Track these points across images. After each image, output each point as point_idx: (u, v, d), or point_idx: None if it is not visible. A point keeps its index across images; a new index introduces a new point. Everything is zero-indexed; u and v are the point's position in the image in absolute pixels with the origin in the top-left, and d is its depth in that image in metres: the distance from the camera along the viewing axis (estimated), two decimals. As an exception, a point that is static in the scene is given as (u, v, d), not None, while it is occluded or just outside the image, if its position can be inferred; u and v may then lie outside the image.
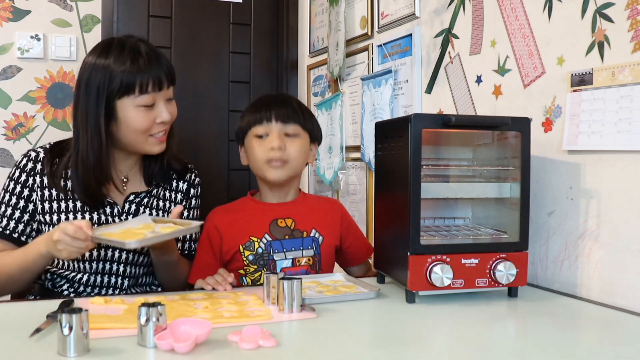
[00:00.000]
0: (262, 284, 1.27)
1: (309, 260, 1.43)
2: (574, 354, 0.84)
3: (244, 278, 1.42)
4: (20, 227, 1.33)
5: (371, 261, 1.57)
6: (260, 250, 1.42)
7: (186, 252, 1.49)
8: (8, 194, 1.34)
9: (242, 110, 1.54)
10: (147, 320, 0.82)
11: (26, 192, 1.34)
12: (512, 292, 1.17)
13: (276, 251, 1.42)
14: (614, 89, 1.16)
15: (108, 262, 1.36)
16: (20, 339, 0.86)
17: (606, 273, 1.18)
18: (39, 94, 2.41)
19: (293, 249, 1.43)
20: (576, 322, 1.04)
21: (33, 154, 1.37)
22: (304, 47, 2.65)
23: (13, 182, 1.35)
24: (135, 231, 1.20)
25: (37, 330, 0.88)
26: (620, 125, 1.14)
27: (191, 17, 2.58)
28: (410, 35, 1.80)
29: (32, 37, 2.37)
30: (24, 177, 1.34)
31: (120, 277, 1.38)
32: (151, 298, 1.11)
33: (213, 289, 1.22)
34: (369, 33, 2.06)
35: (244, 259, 1.41)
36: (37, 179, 1.34)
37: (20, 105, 2.38)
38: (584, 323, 1.04)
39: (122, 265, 1.37)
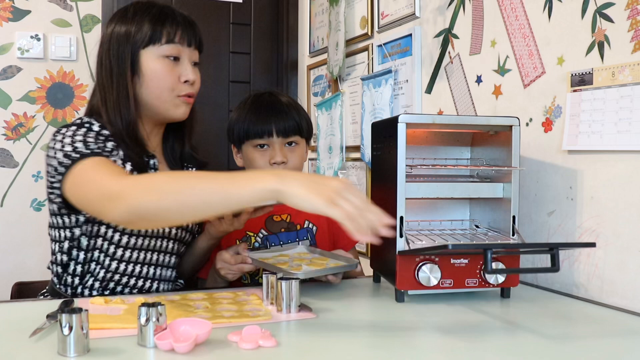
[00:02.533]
0: (261, 283, 1.27)
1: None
2: (574, 354, 0.84)
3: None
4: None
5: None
6: (257, 245, 1.44)
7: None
8: (90, 138, 1.17)
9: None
10: (147, 320, 0.82)
11: (109, 146, 1.19)
12: (504, 292, 1.17)
13: (273, 244, 1.44)
14: (614, 89, 1.16)
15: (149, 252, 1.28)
16: (20, 339, 0.86)
17: (606, 273, 1.18)
18: (39, 94, 2.41)
19: (289, 241, 1.45)
20: (576, 322, 1.04)
21: (95, 124, 1.22)
22: (304, 47, 2.65)
23: (92, 135, 1.18)
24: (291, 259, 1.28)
25: (37, 330, 0.88)
26: (620, 125, 1.14)
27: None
28: (410, 35, 1.80)
29: (32, 37, 2.37)
30: (102, 138, 1.19)
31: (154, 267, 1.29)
32: (151, 298, 1.11)
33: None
34: (369, 33, 2.06)
35: None
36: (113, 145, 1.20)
37: (20, 105, 2.38)
38: (583, 323, 1.04)
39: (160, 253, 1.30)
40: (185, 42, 1.26)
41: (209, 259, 1.42)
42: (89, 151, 1.13)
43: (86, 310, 0.80)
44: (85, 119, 1.22)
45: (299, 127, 1.44)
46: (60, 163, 1.13)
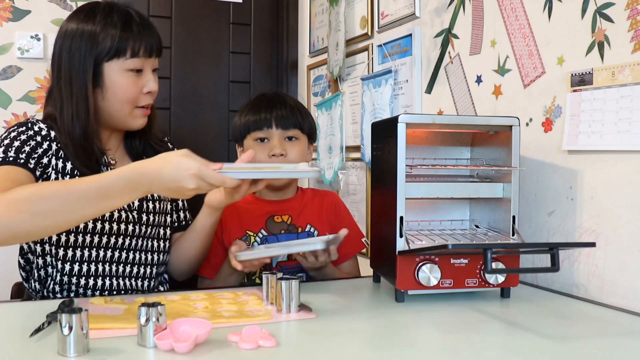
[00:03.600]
0: (260, 283, 1.27)
1: (304, 254, 1.43)
2: (574, 354, 0.84)
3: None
4: (32, 161, 1.18)
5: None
6: (256, 245, 1.43)
7: (182, 222, 1.45)
8: (18, 141, 1.19)
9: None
10: (147, 320, 0.82)
11: (40, 150, 1.20)
12: (504, 292, 1.17)
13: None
14: (614, 89, 1.16)
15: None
16: (20, 339, 0.86)
17: (606, 273, 1.18)
18: (39, 94, 2.40)
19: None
20: (576, 322, 1.04)
21: (39, 125, 1.23)
22: (304, 47, 2.65)
23: (25, 137, 1.20)
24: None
25: (37, 330, 0.88)
26: (620, 125, 1.14)
27: (191, 17, 2.57)
28: (410, 35, 1.80)
29: (32, 37, 2.37)
30: (38, 138, 1.21)
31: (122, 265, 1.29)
32: (151, 298, 1.11)
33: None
34: (369, 33, 2.06)
35: None
36: (54, 146, 1.22)
37: (20, 105, 2.38)
38: (583, 323, 1.04)
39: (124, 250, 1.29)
40: (148, 53, 1.25)
41: (213, 242, 1.41)
42: (3, 156, 1.14)
43: (86, 310, 0.80)
44: (31, 119, 1.24)
45: (300, 122, 1.44)
46: None
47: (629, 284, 1.13)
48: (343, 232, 1.28)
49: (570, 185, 1.26)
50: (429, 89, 1.75)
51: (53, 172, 1.21)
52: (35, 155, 1.18)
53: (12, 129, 1.22)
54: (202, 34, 2.60)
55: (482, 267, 1.12)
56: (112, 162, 1.31)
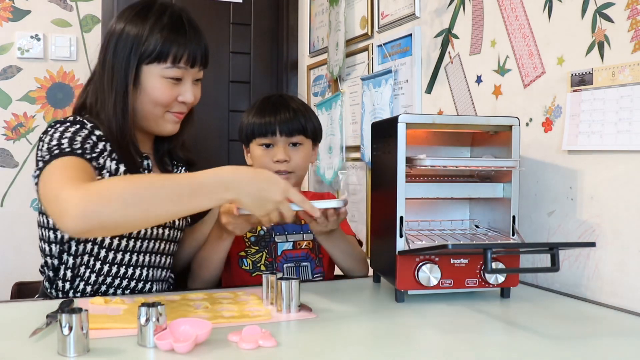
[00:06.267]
0: (261, 284, 1.27)
1: (309, 244, 1.48)
2: (574, 354, 0.84)
3: (244, 260, 1.44)
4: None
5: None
6: (262, 232, 1.45)
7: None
8: (80, 137, 1.14)
9: (242, 110, 1.55)
10: (147, 320, 0.82)
11: (97, 150, 1.17)
12: (504, 292, 1.17)
13: (277, 233, 1.46)
14: (614, 89, 1.16)
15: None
16: (20, 339, 0.86)
17: (606, 273, 1.18)
18: (39, 94, 2.41)
19: (294, 232, 1.47)
20: (576, 322, 1.04)
21: (90, 124, 1.20)
22: (304, 47, 2.65)
23: (83, 135, 1.16)
24: None
25: (37, 330, 0.88)
26: (620, 125, 1.14)
27: (191, 17, 2.57)
28: (410, 35, 1.80)
29: (32, 37, 2.37)
30: (94, 138, 1.17)
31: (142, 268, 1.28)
32: (151, 298, 1.11)
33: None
34: (369, 33, 2.06)
35: (246, 240, 1.44)
36: (108, 147, 1.20)
37: (20, 105, 2.38)
38: (583, 323, 1.04)
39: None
40: (190, 63, 1.22)
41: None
42: (69, 149, 1.09)
43: (86, 310, 0.80)
44: (79, 118, 1.19)
45: (304, 128, 1.45)
46: (42, 157, 1.09)
47: (629, 284, 1.13)
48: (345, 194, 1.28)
49: (570, 185, 1.26)
50: (429, 89, 1.75)
51: (107, 173, 1.18)
52: (95, 155, 1.15)
53: (64, 126, 1.15)
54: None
55: (482, 267, 1.12)
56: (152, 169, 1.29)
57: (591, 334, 0.96)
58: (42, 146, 1.13)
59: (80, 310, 0.79)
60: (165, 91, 1.21)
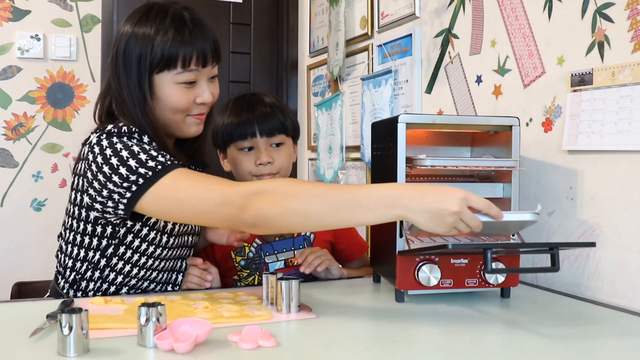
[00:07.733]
0: (260, 284, 1.27)
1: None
2: (574, 354, 0.84)
3: (238, 283, 1.42)
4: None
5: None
6: (251, 255, 1.41)
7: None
8: (150, 147, 1.12)
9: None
10: (147, 320, 0.82)
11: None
12: (504, 292, 1.17)
13: (267, 254, 1.41)
14: (614, 89, 1.16)
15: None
16: (20, 339, 0.86)
17: (606, 273, 1.18)
18: (39, 94, 2.41)
19: (284, 250, 1.42)
20: (576, 322, 1.04)
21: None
22: (304, 47, 2.65)
23: (149, 144, 1.15)
24: None
25: (37, 330, 0.88)
26: (620, 125, 1.14)
27: (191, 17, 2.57)
28: (410, 35, 1.80)
29: (32, 37, 2.37)
30: (156, 146, 1.17)
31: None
32: (151, 298, 1.11)
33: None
34: (369, 33, 2.06)
35: (236, 264, 1.41)
36: None
37: (20, 105, 2.38)
38: (583, 323, 1.04)
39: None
40: (201, 63, 1.18)
41: (202, 257, 1.39)
42: (163, 161, 1.08)
43: (86, 310, 0.80)
44: (125, 128, 1.15)
45: (284, 126, 1.41)
46: (126, 177, 1.06)
47: (629, 284, 1.13)
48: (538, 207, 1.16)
49: (570, 185, 1.26)
50: (429, 89, 1.75)
51: None
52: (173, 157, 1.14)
53: (122, 142, 1.11)
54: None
55: (482, 267, 1.12)
56: None
57: (591, 334, 0.96)
58: (108, 167, 1.08)
59: (80, 310, 0.79)
60: (182, 97, 1.18)
